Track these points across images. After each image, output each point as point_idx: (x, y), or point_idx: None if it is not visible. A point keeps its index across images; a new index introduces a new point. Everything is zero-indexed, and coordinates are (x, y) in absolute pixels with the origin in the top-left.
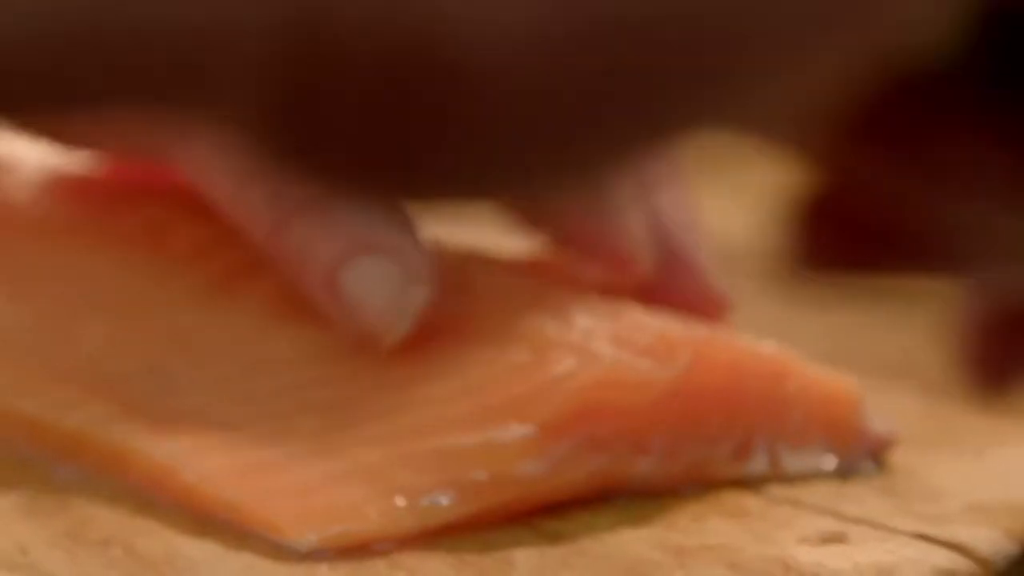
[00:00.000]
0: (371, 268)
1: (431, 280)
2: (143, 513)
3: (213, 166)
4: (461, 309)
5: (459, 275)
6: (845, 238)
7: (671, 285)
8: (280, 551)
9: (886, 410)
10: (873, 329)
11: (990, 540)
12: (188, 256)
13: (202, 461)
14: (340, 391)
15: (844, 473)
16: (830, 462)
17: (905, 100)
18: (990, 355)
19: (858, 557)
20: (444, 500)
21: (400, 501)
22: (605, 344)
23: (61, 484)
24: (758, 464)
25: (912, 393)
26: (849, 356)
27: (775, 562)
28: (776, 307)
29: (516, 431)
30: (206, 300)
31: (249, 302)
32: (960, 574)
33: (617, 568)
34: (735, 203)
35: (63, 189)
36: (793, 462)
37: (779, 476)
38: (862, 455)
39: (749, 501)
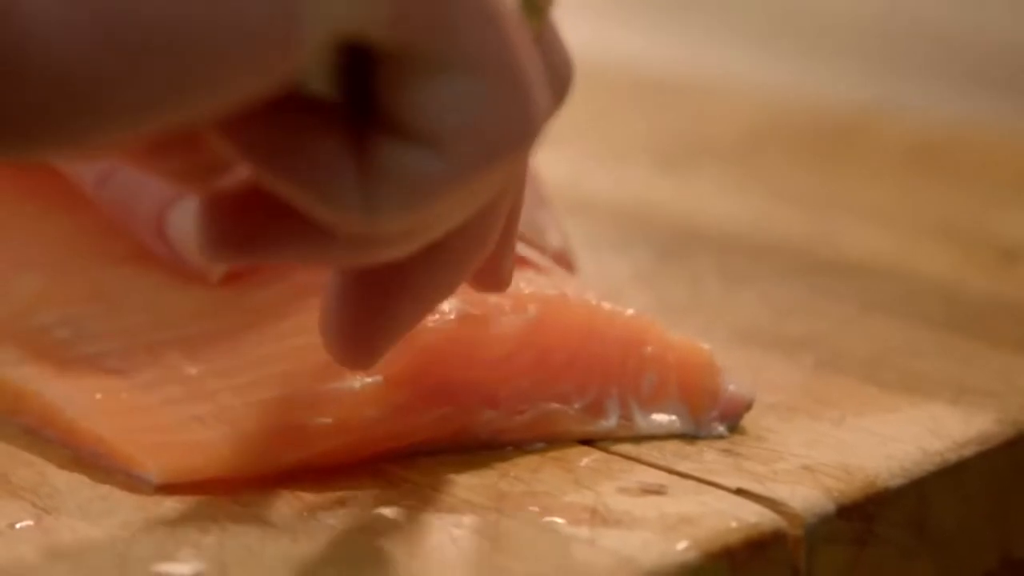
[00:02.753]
0: (191, 210)
1: None
2: (31, 449)
3: None
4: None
5: None
6: (239, 223)
7: None
8: (138, 484)
9: (764, 380)
10: (788, 302)
11: (808, 498)
12: (113, 223)
13: (85, 402)
14: (222, 344)
15: (694, 434)
16: (681, 423)
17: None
18: (356, 322)
19: (668, 507)
20: (290, 443)
21: (250, 442)
22: (454, 299)
23: None
24: (609, 422)
25: (803, 365)
26: (758, 327)
27: (585, 509)
28: (700, 283)
29: (363, 380)
30: (125, 262)
31: (166, 267)
32: (764, 526)
33: (437, 507)
34: None
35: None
36: (644, 422)
37: (630, 435)
38: (715, 418)
39: (591, 456)
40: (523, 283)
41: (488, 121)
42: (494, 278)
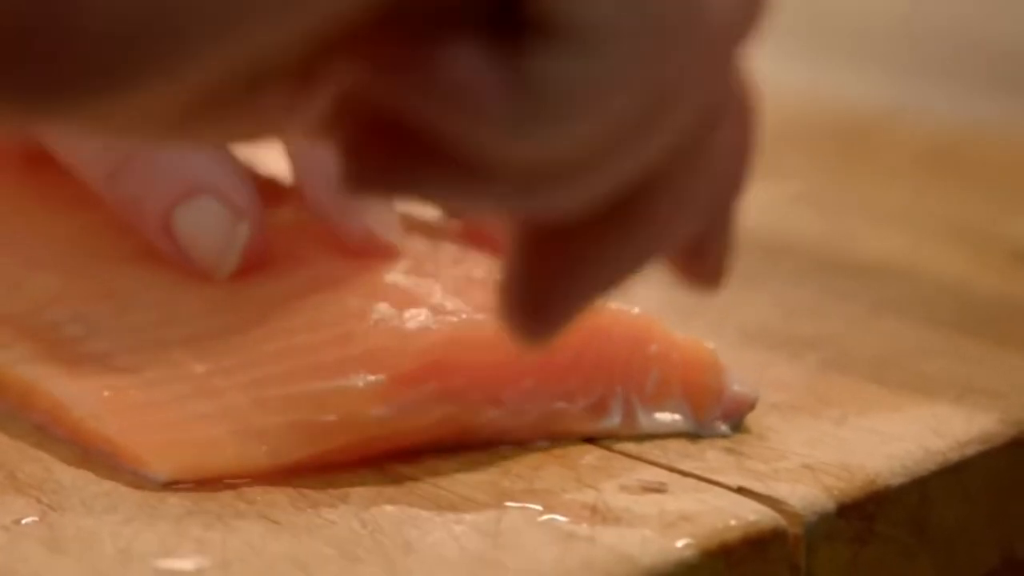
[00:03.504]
0: (199, 209)
1: (256, 216)
2: (39, 446)
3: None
4: (333, 265)
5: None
6: (382, 152)
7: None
8: (142, 481)
9: (768, 379)
10: (797, 303)
11: (807, 497)
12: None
13: (93, 399)
14: (230, 341)
15: (697, 433)
16: (684, 423)
17: (409, 20)
18: (532, 290)
19: (668, 505)
20: (294, 440)
21: (255, 440)
22: (459, 300)
23: None
24: (612, 421)
25: (807, 365)
26: (766, 328)
27: (585, 506)
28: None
29: (367, 379)
30: (135, 260)
31: (178, 266)
32: (764, 524)
33: (438, 504)
34: None
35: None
36: (647, 420)
37: (633, 433)
38: (718, 417)
39: (593, 454)
40: None
41: (651, 9)
42: (701, 260)
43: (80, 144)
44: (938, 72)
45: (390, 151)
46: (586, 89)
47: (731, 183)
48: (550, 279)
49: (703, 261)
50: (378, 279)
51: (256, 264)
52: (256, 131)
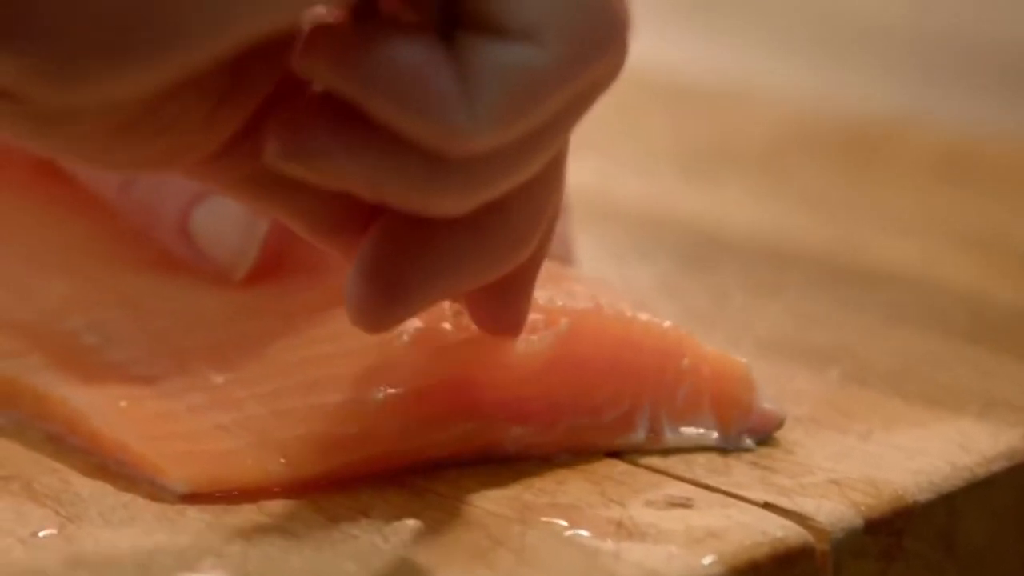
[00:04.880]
0: (215, 209)
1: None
2: (55, 456)
3: None
4: None
5: None
6: (314, 127)
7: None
8: (160, 492)
9: (789, 391)
10: (816, 315)
11: (834, 512)
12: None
13: (110, 409)
14: (249, 351)
15: (725, 448)
16: (712, 437)
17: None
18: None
19: (694, 521)
20: (314, 453)
21: (274, 452)
22: None
23: None
24: (638, 435)
25: (828, 377)
26: (782, 338)
27: (611, 522)
28: (725, 293)
29: (388, 392)
30: (152, 268)
31: (193, 274)
32: (791, 541)
33: (460, 519)
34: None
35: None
36: (673, 435)
37: (658, 447)
38: (746, 432)
39: (617, 468)
40: (557, 295)
41: (581, 15)
42: (505, 314)
43: None
44: (948, 79)
45: (323, 127)
46: (530, 78)
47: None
48: (402, 264)
49: (504, 308)
50: None
51: (273, 265)
52: (168, 153)
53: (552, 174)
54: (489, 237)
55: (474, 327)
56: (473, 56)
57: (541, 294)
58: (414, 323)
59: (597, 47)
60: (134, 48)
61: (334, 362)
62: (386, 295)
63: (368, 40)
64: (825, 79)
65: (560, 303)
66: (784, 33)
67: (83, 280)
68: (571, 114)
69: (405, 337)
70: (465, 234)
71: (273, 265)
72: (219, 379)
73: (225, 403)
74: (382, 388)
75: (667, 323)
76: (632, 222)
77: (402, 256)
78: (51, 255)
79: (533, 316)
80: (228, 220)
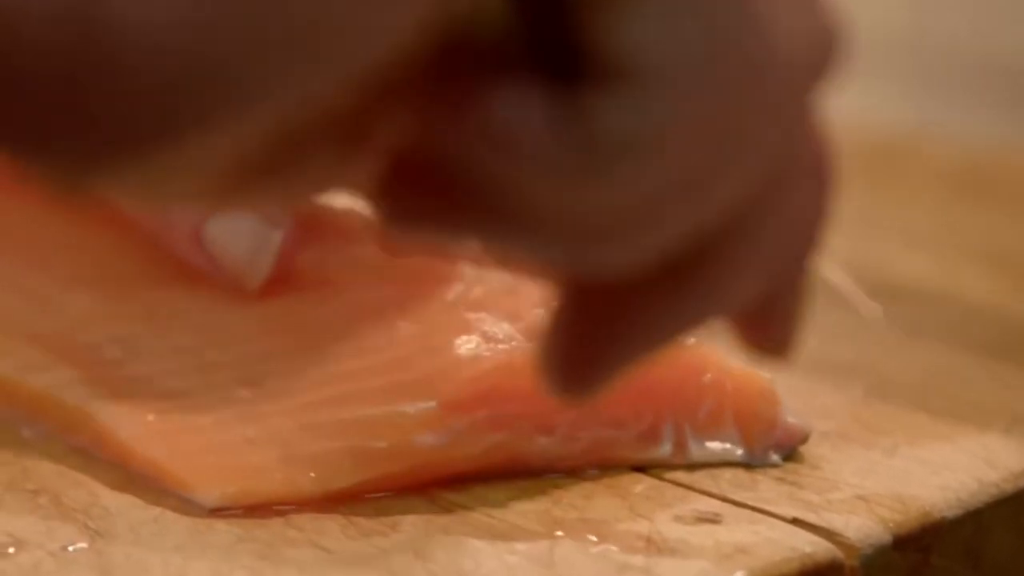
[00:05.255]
0: (228, 220)
1: (286, 224)
2: (83, 469)
3: None
4: (381, 290)
5: (380, 256)
6: (426, 194)
7: None
8: (189, 506)
9: (813, 407)
10: (837, 330)
11: (863, 528)
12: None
13: (138, 423)
14: (276, 365)
15: (750, 463)
16: (737, 452)
17: (459, 64)
18: (575, 346)
19: (723, 536)
20: (343, 467)
21: (303, 466)
22: (510, 327)
23: (23, 441)
24: (663, 450)
25: (852, 392)
26: (804, 353)
27: (640, 537)
28: None
29: (418, 406)
30: (176, 282)
31: (218, 287)
32: (820, 556)
33: (490, 533)
34: None
35: None
36: (699, 450)
37: (684, 462)
38: (771, 448)
39: (644, 483)
40: None
41: (718, 46)
42: (770, 326)
43: None
44: (962, 92)
45: (435, 193)
46: (644, 136)
47: (802, 244)
48: (593, 339)
49: (768, 327)
50: (428, 306)
51: (290, 280)
52: (306, 191)
53: (770, 210)
54: (687, 292)
55: (501, 337)
56: (578, 104)
57: None
58: (440, 336)
59: (738, 88)
60: (174, 120)
61: (361, 376)
62: (580, 377)
63: (468, 92)
64: (838, 92)
65: None
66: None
67: (106, 294)
68: (723, 156)
69: (432, 351)
70: (658, 292)
71: (291, 279)
72: (245, 393)
73: (252, 417)
74: (411, 402)
75: (691, 338)
76: None
77: (588, 332)
78: (74, 268)
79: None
80: (242, 230)
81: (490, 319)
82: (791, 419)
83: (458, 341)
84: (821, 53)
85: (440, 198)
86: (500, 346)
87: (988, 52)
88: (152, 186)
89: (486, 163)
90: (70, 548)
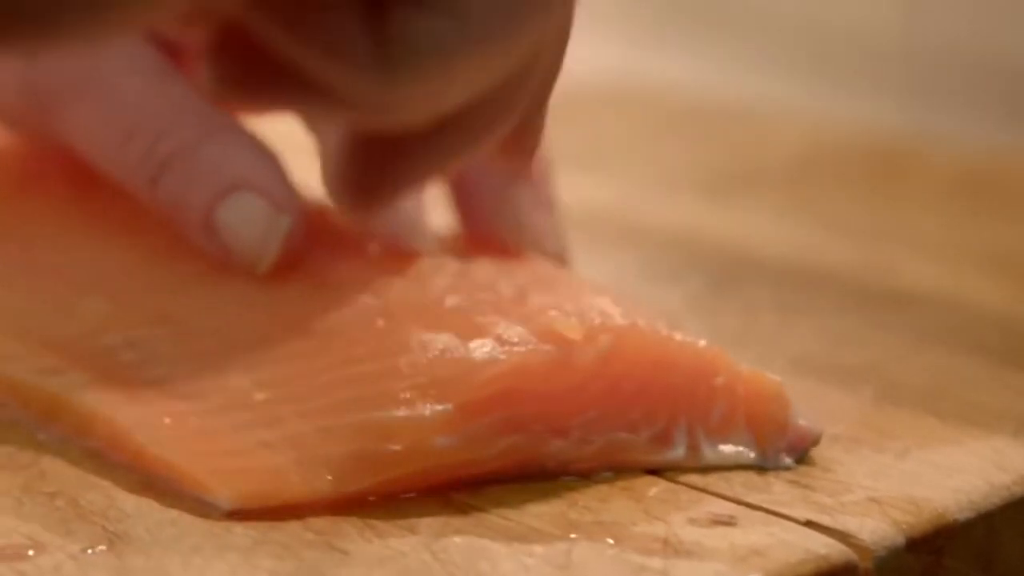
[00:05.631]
0: (240, 204)
1: (296, 208)
2: (99, 472)
3: (88, 131)
4: (394, 293)
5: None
6: (249, 62)
7: None
8: (207, 508)
9: (823, 410)
10: (843, 333)
11: (876, 531)
12: (182, 244)
13: (154, 426)
14: (292, 369)
15: (763, 466)
16: (749, 455)
17: None
18: (360, 174)
19: (738, 539)
20: (360, 469)
21: (320, 468)
22: (525, 330)
23: (39, 444)
24: (677, 452)
25: (861, 396)
26: (814, 358)
27: (656, 539)
28: (754, 313)
29: (433, 409)
30: (190, 285)
31: (231, 287)
32: (834, 558)
33: (506, 535)
34: None
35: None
36: (712, 453)
37: (697, 465)
38: (782, 450)
39: (658, 486)
40: (594, 313)
41: None
42: (518, 149)
43: (124, 152)
44: (966, 98)
45: (257, 63)
46: (440, 49)
47: (547, 88)
48: (379, 166)
49: (518, 147)
50: (442, 308)
51: (297, 260)
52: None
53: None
54: (454, 136)
55: (516, 340)
56: (394, 18)
57: (579, 310)
58: (454, 339)
59: (523, 18)
60: None
61: (377, 379)
62: (364, 197)
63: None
64: (842, 98)
65: (599, 321)
66: (800, 52)
67: (120, 297)
68: (503, 62)
69: (447, 354)
70: (430, 136)
71: (307, 281)
72: (261, 396)
73: (269, 420)
74: (428, 404)
75: (702, 342)
76: (658, 243)
77: (372, 165)
78: (88, 272)
79: (572, 332)
80: (253, 214)
81: (504, 323)
82: (802, 422)
83: (473, 344)
84: None
85: (261, 67)
86: (515, 349)
87: (986, 56)
88: None
89: (309, 60)
90: (89, 551)
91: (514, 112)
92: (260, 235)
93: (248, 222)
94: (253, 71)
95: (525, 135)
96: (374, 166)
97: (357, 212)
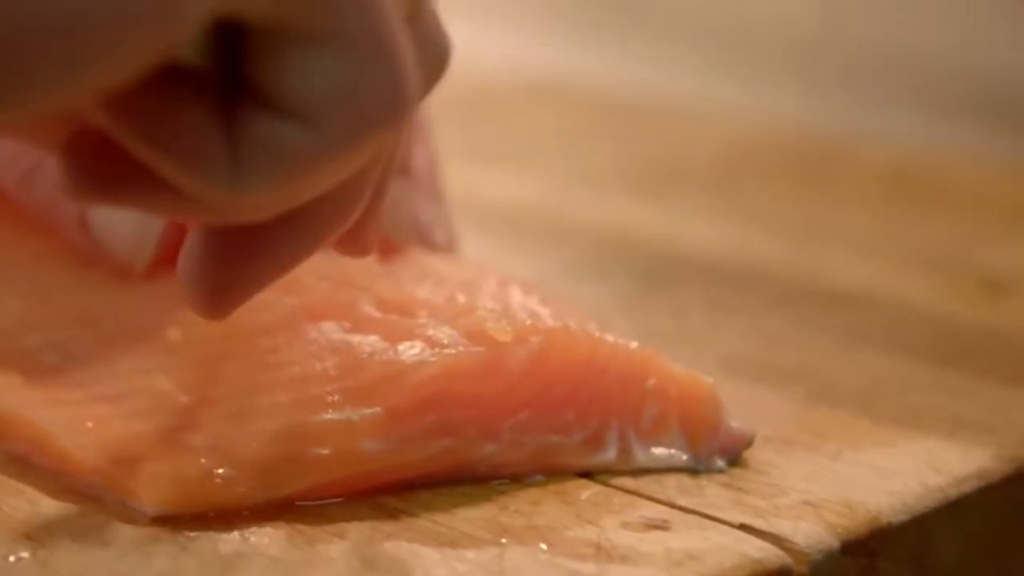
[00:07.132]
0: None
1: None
2: (22, 477)
3: None
4: (319, 294)
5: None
6: (103, 160)
7: None
8: (131, 514)
9: (756, 411)
10: (774, 332)
11: (811, 534)
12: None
13: (77, 430)
14: (214, 372)
15: (695, 468)
16: (682, 458)
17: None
18: (214, 272)
19: (672, 543)
20: (288, 473)
21: (247, 473)
22: (454, 332)
23: None
24: (608, 455)
25: (794, 396)
26: (745, 358)
27: (589, 544)
28: (684, 312)
29: (363, 412)
30: (108, 286)
31: (152, 291)
32: (769, 563)
33: (438, 540)
34: None
35: None
36: (644, 455)
37: (629, 468)
38: (716, 453)
39: (590, 489)
40: (524, 313)
41: (358, 96)
42: (357, 244)
43: None
44: (892, 94)
45: (109, 161)
46: (293, 157)
47: (384, 184)
48: (229, 268)
49: (357, 241)
50: (367, 311)
51: (173, 257)
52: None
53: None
54: (301, 233)
55: (446, 342)
56: (247, 126)
57: (508, 311)
58: (382, 342)
59: (372, 125)
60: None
61: (304, 382)
62: (217, 298)
63: (152, 96)
64: (769, 96)
65: (529, 321)
66: (727, 50)
67: (37, 298)
68: (349, 166)
69: (376, 357)
70: (276, 233)
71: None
72: (185, 399)
73: (193, 424)
74: (357, 408)
75: (634, 344)
76: (585, 240)
77: (223, 264)
78: (5, 272)
79: (503, 334)
80: (126, 214)
81: (433, 324)
82: (735, 424)
83: (402, 347)
84: (435, 75)
85: (115, 166)
86: (445, 351)
87: (909, 52)
88: None
89: (156, 162)
90: (12, 558)
91: (359, 205)
92: (133, 233)
93: (121, 220)
94: (107, 169)
95: (367, 224)
96: (226, 264)
97: (212, 311)
